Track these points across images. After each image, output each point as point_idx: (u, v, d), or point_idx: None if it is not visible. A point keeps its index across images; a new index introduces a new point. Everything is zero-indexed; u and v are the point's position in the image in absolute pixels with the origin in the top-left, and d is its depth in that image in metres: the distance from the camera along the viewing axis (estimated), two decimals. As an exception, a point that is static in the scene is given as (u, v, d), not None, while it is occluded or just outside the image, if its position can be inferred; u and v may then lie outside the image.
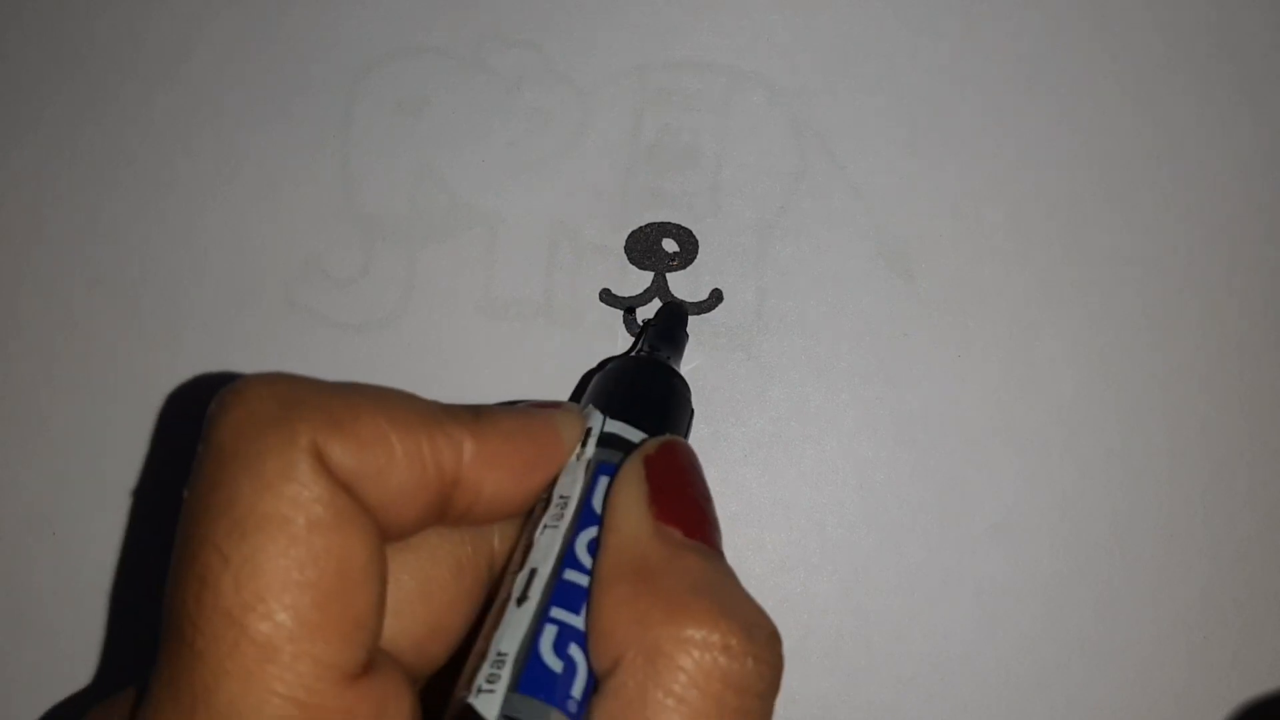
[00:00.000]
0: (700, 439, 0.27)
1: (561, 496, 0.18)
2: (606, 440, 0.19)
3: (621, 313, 0.27)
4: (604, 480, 0.19)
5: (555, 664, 0.16)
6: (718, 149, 0.27)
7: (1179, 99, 0.28)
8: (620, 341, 0.27)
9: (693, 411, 0.23)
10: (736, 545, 0.26)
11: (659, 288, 0.27)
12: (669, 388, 0.22)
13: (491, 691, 0.16)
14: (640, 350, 0.24)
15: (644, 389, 0.22)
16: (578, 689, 0.16)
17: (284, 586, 0.15)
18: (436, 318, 0.27)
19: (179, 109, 0.28)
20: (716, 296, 0.27)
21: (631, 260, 0.27)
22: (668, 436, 0.19)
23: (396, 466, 0.16)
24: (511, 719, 0.16)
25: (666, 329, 0.25)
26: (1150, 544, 0.27)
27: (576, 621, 0.17)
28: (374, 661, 0.16)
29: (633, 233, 0.27)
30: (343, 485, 0.16)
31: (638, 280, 0.27)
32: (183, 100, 0.28)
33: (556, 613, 0.17)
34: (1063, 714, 0.27)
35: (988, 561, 0.27)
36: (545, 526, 0.18)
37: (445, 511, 0.18)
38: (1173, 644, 0.27)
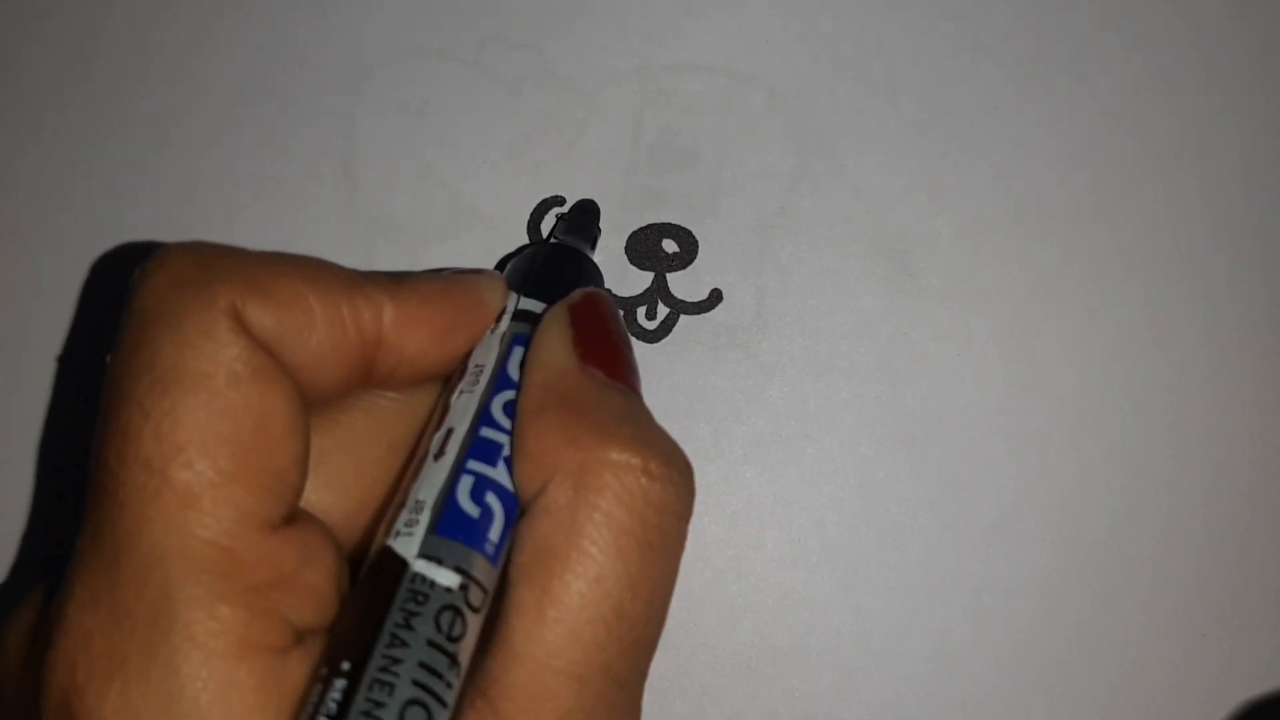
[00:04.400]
0: (700, 438, 0.27)
1: (477, 365, 0.19)
2: (521, 316, 0.20)
3: (622, 312, 0.27)
4: (519, 350, 0.19)
5: (472, 509, 0.17)
6: (717, 150, 0.27)
7: (1179, 96, 0.28)
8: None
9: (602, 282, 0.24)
10: (736, 544, 0.27)
11: (659, 288, 0.27)
12: (579, 267, 0.23)
13: (410, 535, 0.17)
14: (560, 240, 0.25)
15: (556, 269, 0.23)
16: (495, 533, 0.17)
17: (204, 438, 0.15)
18: (438, 318, 0.27)
19: (181, 110, 0.28)
20: (716, 296, 0.27)
21: (631, 260, 0.27)
22: (590, 288, 0.20)
23: (316, 327, 0.17)
24: (431, 557, 0.17)
25: (577, 221, 0.26)
26: (1149, 542, 0.27)
27: (493, 473, 0.18)
28: (297, 516, 0.17)
29: (633, 233, 0.27)
30: (262, 345, 0.16)
31: (638, 280, 0.27)
32: (186, 101, 0.28)
33: (473, 465, 0.18)
34: (1061, 712, 0.27)
35: (987, 560, 0.27)
36: (461, 392, 0.19)
37: (370, 374, 0.18)
38: (1172, 643, 0.27)
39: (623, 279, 0.27)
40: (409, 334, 0.18)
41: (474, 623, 0.17)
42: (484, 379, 0.19)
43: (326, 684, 0.15)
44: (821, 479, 0.27)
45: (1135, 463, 0.27)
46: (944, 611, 0.26)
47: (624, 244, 0.27)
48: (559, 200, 0.27)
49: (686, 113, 0.28)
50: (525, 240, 0.27)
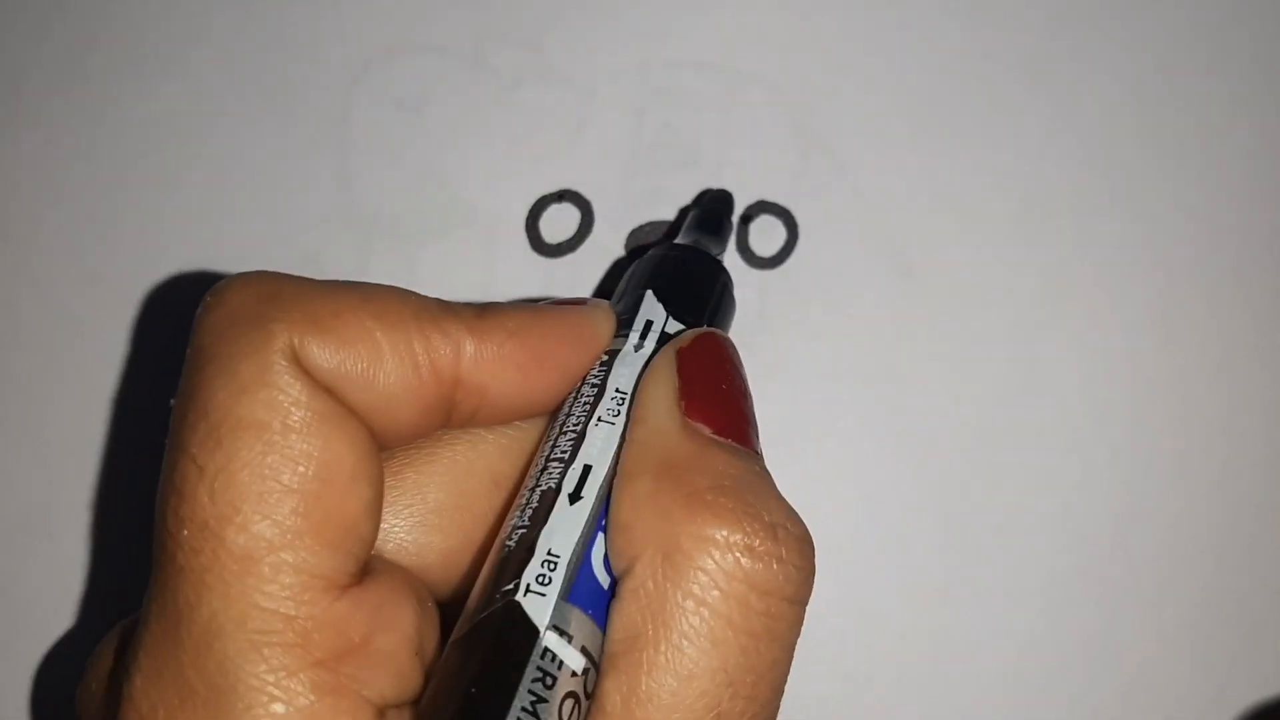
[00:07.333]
0: (701, 439, 0.26)
1: (619, 390, 0.17)
2: (667, 339, 0.18)
3: (621, 311, 0.27)
4: None
5: (603, 579, 0.16)
6: (718, 147, 0.27)
7: (1183, 95, 0.28)
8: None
9: (734, 312, 0.22)
10: (738, 546, 0.26)
11: (659, 286, 0.27)
12: (726, 290, 0.22)
13: (542, 595, 0.15)
14: (694, 241, 0.23)
15: (705, 290, 0.21)
16: None
17: (261, 495, 0.14)
18: (435, 317, 0.27)
19: (177, 107, 0.28)
20: (717, 295, 0.27)
21: (632, 259, 0.27)
22: (705, 328, 0.18)
23: (384, 366, 0.16)
24: (561, 631, 0.15)
25: (713, 218, 0.23)
26: (1154, 544, 0.27)
27: None
28: (370, 570, 0.16)
29: (633, 231, 0.27)
30: (324, 387, 0.15)
31: (638, 279, 0.27)
32: (181, 98, 0.28)
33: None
34: (1065, 716, 0.26)
35: (990, 562, 0.26)
36: (600, 420, 0.17)
37: (451, 415, 0.17)
38: (1178, 646, 0.27)
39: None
40: (492, 372, 0.17)
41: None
42: (626, 410, 0.17)
43: None
44: (823, 480, 0.27)
45: (1140, 464, 0.27)
46: (947, 615, 0.26)
47: (624, 242, 0.27)
48: (559, 197, 0.27)
49: (687, 110, 0.27)
50: (524, 239, 0.27)
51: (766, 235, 0.27)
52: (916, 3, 0.28)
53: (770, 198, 0.27)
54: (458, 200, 0.27)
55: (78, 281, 0.27)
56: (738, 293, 0.27)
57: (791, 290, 0.27)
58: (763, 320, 0.27)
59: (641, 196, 0.27)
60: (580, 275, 0.27)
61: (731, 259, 0.27)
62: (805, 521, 0.26)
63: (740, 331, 0.27)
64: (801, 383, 0.27)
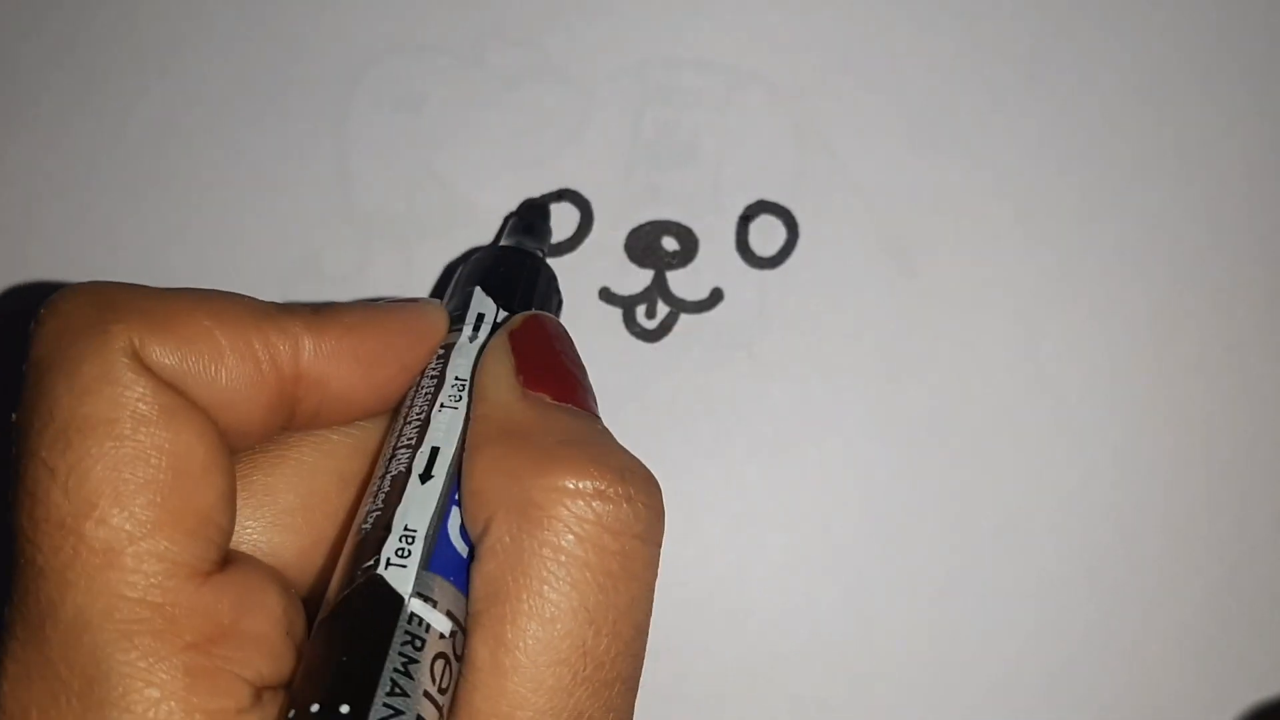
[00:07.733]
0: (701, 439, 0.26)
1: (458, 378, 0.18)
2: (499, 329, 0.19)
3: (621, 311, 0.27)
4: None
5: (461, 548, 0.16)
6: (718, 147, 0.27)
7: (1183, 94, 0.28)
8: (621, 339, 0.27)
9: (561, 302, 0.24)
10: (738, 547, 0.26)
11: (659, 286, 0.27)
12: (550, 282, 0.23)
13: (403, 567, 0.16)
14: (517, 242, 0.25)
15: (530, 282, 0.22)
16: None
17: (116, 488, 0.15)
18: (434, 316, 0.27)
19: (175, 105, 0.28)
20: (717, 295, 0.27)
21: (631, 258, 0.27)
22: (532, 311, 0.20)
23: (225, 364, 0.16)
24: (425, 597, 0.15)
25: (530, 222, 0.25)
26: (1156, 545, 0.27)
27: None
28: (231, 559, 0.16)
29: (632, 230, 0.27)
30: (168, 384, 0.16)
31: (637, 278, 0.27)
32: (179, 96, 0.28)
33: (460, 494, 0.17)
34: (1066, 716, 0.26)
35: (992, 562, 0.26)
36: (442, 406, 0.18)
37: (295, 412, 0.17)
38: (1179, 646, 0.26)
39: (622, 276, 0.27)
40: (332, 367, 0.17)
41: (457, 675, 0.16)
42: (467, 395, 0.18)
43: None
44: (824, 480, 0.26)
45: (1141, 464, 0.27)
46: (949, 615, 0.26)
47: (623, 241, 0.27)
48: (558, 196, 0.27)
49: (687, 109, 0.27)
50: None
51: (766, 235, 0.27)
52: (916, 2, 0.28)
53: (770, 198, 0.27)
54: (457, 199, 0.27)
55: (74, 279, 0.27)
56: (738, 293, 0.27)
57: (791, 290, 0.27)
58: (763, 320, 0.27)
59: (641, 195, 0.27)
60: (579, 274, 0.27)
61: (731, 259, 0.27)
62: (799, 517, 0.26)
63: (740, 331, 0.27)
64: (801, 382, 0.27)
